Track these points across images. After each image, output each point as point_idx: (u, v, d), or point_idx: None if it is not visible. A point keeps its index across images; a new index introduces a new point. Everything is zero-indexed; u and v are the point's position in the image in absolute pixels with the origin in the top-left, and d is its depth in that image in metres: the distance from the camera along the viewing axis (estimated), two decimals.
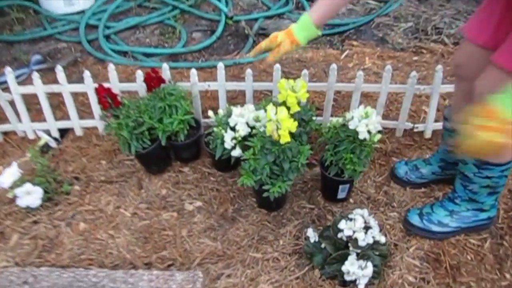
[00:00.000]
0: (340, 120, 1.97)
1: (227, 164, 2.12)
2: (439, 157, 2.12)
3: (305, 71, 2.21)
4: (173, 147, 2.25)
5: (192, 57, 3.11)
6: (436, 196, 2.16)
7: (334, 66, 2.19)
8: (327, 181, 2.04)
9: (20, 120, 2.41)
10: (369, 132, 1.82)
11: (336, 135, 1.96)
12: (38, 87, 2.29)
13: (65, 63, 3.00)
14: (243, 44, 3.23)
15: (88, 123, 2.46)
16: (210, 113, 2.07)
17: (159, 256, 1.93)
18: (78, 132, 2.50)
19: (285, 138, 1.73)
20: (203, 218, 2.08)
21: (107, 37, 3.25)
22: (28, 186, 1.99)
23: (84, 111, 2.60)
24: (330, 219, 2.06)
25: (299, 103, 1.91)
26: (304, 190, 2.17)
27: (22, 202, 2.01)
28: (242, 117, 1.97)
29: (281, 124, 1.72)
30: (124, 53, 3.11)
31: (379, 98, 2.31)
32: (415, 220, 1.98)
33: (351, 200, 2.15)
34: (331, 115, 2.41)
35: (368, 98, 2.65)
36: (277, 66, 2.19)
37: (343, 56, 3.11)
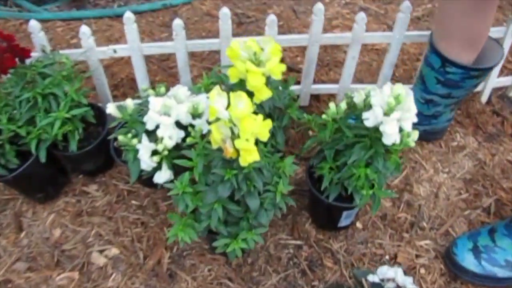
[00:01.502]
0: (343, 105, 1.12)
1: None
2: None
3: (272, 17, 1.31)
4: (64, 158, 1.37)
5: (105, 0, 2.14)
6: (484, 205, 1.38)
7: (320, 5, 1.30)
8: (322, 205, 1.22)
9: None
10: (400, 130, 0.98)
11: (338, 133, 1.12)
12: None
13: None
14: None
15: None
16: (111, 108, 1.16)
17: None
18: None
19: (249, 156, 0.88)
20: (122, 278, 1.25)
21: None
22: None
23: None
24: (330, 266, 1.26)
25: (268, 83, 1.04)
26: (282, 213, 1.34)
27: None
28: (166, 114, 1.09)
29: (238, 128, 0.87)
30: (3, 0, 2.11)
31: (387, 54, 1.45)
32: (467, 261, 1.20)
33: (358, 225, 1.34)
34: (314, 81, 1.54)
35: (369, 53, 1.79)
36: (225, 10, 1.28)
37: None
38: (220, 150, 0.93)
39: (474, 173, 1.46)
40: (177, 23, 1.31)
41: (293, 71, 1.71)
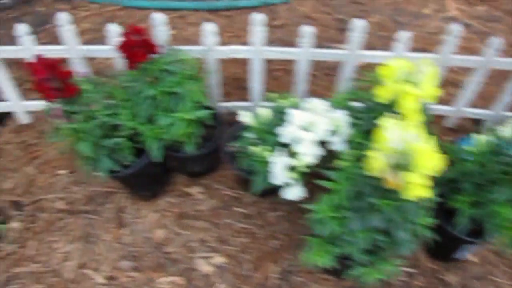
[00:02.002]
0: (489, 138, 1.04)
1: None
2: None
3: (405, 35, 1.24)
4: (175, 159, 1.33)
5: None
6: None
7: (456, 27, 1.22)
8: (444, 236, 1.15)
9: None
10: None
11: (481, 167, 1.05)
12: None
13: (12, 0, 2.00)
14: None
15: (37, 105, 1.50)
16: (244, 116, 1.11)
17: None
18: (23, 119, 1.56)
19: (417, 190, 0.81)
20: None
21: None
22: None
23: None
24: None
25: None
26: None
27: None
28: (309, 131, 1.03)
29: (409, 162, 0.80)
30: None
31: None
32: None
33: (471, 257, 1.27)
34: None
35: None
36: (359, 22, 1.22)
37: None
38: (376, 178, 0.87)
39: None
40: (307, 30, 1.25)
41: None
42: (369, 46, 1.37)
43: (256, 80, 1.38)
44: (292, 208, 1.34)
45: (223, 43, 1.34)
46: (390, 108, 1.00)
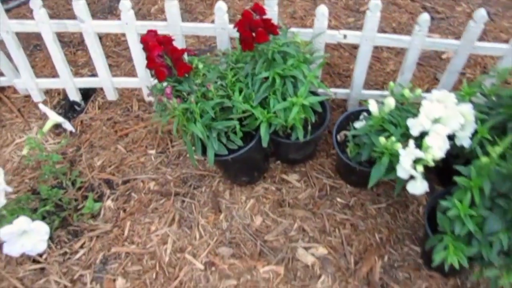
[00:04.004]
0: None
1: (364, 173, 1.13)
2: None
3: None
4: (278, 144, 1.29)
5: None
6: None
7: None
8: None
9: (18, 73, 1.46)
10: None
11: None
12: (43, 23, 1.30)
13: None
14: None
15: (127, 82, 1.48)
16: (372, 105, 1.06)
17: None
18: (111, 96, 1.53)
19: None
20: (332, 282, 1.16)
21: None
22: (22, 222, 1.06)
23: (119, 62, 1.62)
24: None
25: None
26: None
27: (12, 250, 1.09)
28: (441, 123, 0.98)
29: None
30: None
31: None
32: None
33: None
34: None
35: None
36: (482, 11, 1.15)
37: None
38: None
39: None
40: (425, 18, 1.19)
41: None
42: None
43: (360, 68, 1.33)
44: (392, 201, 1.29)
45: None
46: None
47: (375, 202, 1.30)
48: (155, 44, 1.09)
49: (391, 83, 1.14)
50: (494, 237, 0.90)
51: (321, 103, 1.23)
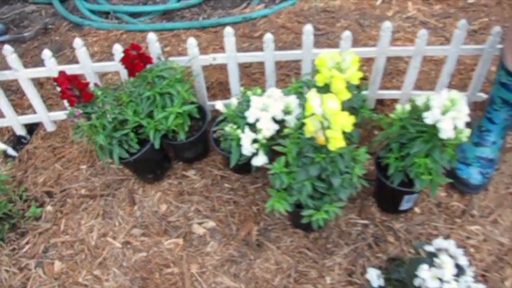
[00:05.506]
0: (407, 106, 1.36)
1: (246, 164, 1.51)
2: None
3: (347, 33, 1.56)
4: (171, 146, 1.66)
5: (191, 14, 2.45)
6: None
7: (388, 24, 1.55)
8: (387, 190, 1.46)
9: None
10: (455, 127, 1.22)
11: (403, 129, 1.36)
12: None
13: (33, 33, 2.38)
14: None
15: (60, 114, 1.86)
16: (219, 105, 1.46)
17: None
18: (49, 127, 1.91)
19: (337, 143, 1.13)
20: (218, 245, 1.52)
21: None
22: None
23: (59, 101, 2.00)
24: (392, 241, 1.50)
25: (348, 87, 1.29)
26: (352, 197, 1.59)
27: None
28: (265, 111, 1.36)
29: (329, 122, 1.12)
30: (106, 14, 2.45)
31: (445, 64, 1.67)
32: None
33: (416, 210, 1.57)
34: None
35: (428, 63, 2.01)
36: (308, 27, 1.55)
37: (378, 2, 2.43)
38: (311, 139, 1.19)
39: None
40: (268, 37, 1.58)
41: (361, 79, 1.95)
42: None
43: (233, 81, 1.72)
44: (267, 180, 1.65)
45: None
46: (326, 89, 1.32)
47: (254, 183, 1.67)
48: (64, 80, 1.47)
49: (242, 88, 1.53)
50: (301, 185, 1.27)
51: (200, 110, 1.62)
